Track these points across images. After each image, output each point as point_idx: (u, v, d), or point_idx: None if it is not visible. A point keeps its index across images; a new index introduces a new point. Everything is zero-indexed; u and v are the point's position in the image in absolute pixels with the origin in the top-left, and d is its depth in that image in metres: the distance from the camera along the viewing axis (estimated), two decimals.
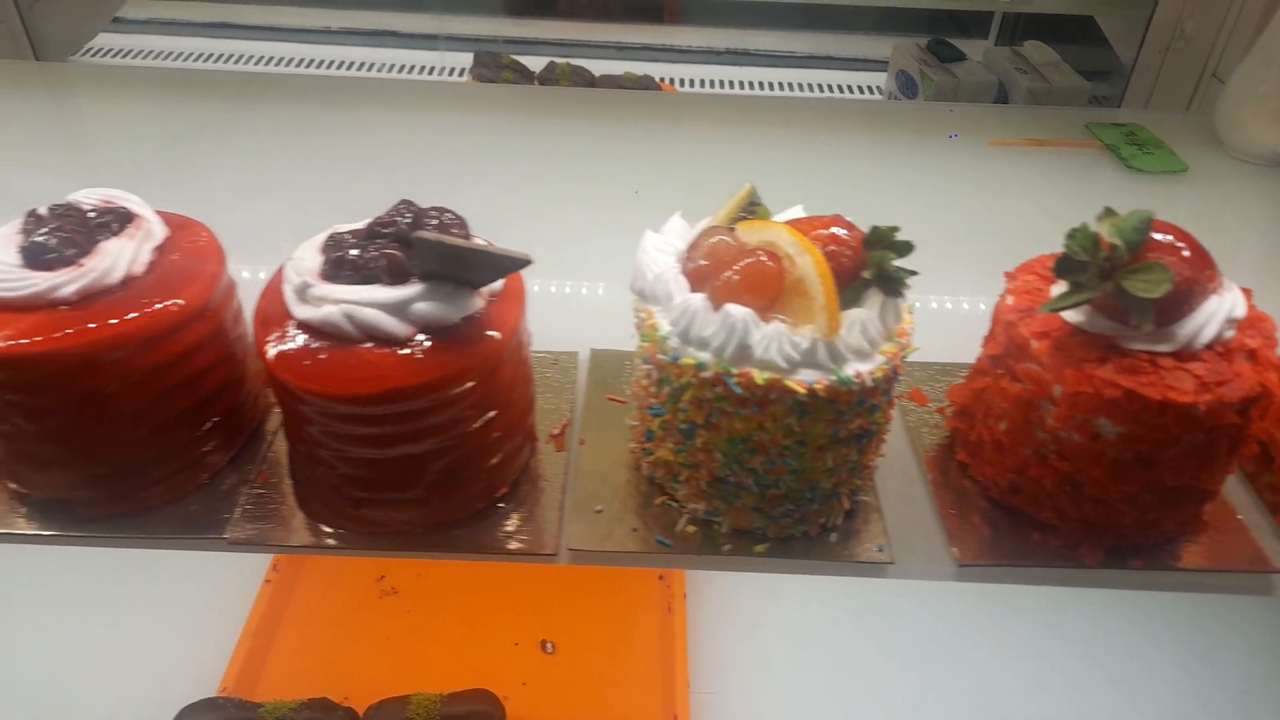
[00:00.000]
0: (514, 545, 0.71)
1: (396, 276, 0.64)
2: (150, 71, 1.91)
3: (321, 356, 0.63)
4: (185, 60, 2.11)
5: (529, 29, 2.36)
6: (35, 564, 1.30)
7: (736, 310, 0.62)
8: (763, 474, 0.67)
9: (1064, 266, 0.64)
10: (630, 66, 2.24)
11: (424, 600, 1.38)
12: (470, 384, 0.65)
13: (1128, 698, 1.23)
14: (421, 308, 0.63)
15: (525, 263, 0.62)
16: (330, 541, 0.71)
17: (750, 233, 0.67)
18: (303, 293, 0.65)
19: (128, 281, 0.67)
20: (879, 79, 2.17)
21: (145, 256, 0.69)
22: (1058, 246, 0.65)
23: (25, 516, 0.72)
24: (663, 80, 2.15)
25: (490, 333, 0.66)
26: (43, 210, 0.71)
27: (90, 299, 0.65)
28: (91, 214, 0.70)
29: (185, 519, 0.72)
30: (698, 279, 0.67)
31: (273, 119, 1.41)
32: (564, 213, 1.18)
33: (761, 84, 2.21)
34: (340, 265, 0.65)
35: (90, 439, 0.67)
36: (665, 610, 1.33)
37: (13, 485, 0.72)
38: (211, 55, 2.14)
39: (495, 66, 2.08)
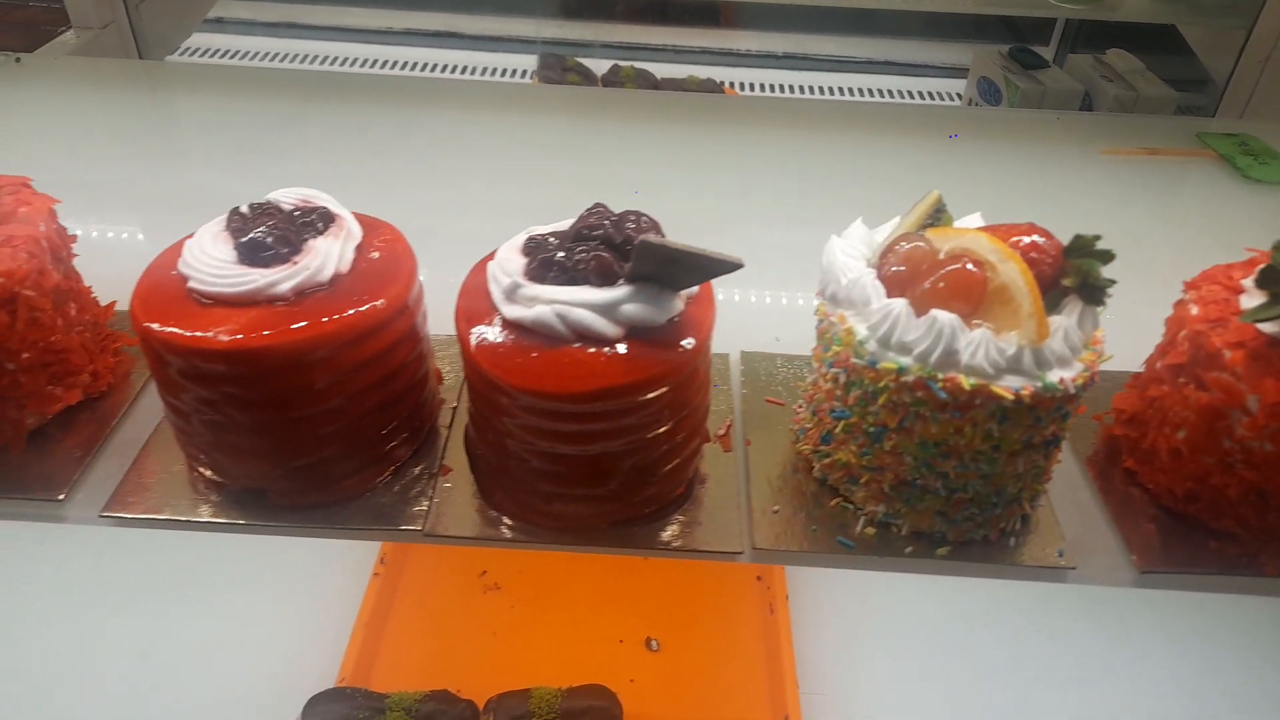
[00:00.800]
0: (700, 544, 0.72)
1: (605, 278, 0.66)
2: (239, 71, 1.94)
3: (533, 355, 0.65)
4: (262, 59, 2.14)
5: (590, 31, 2.38)
6: (152, 553, 1.33)
7: (943, 316, 0.63)
8: (953, 478, 0.68)
9: (1267, 278, 0.64)
10: (693, 70, 2.26)
11: (526, 596, 1.40)
12: (673, 384, 0.66)
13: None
14: (630, 309, 0.65)
15: (738, 266, 0.63)
16: (517, 534, 0.73)
17: (943, 239, 0.68)
18: (512, 293, 0.67)
19: (335, 280, 0.69)
20: (945, 85, 2.17)
21: (349, 255, 0.71)
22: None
23: (215, 505, 0.74)
24: (726, 84, 2.17)
25: (691, 334, 0.67)
26: (244, 209, 0.73)
27: (304, 296, 0.67)
28: (295, 213, 0.72)
29: (376, 510, 0.74)
30: (894, 285, 0.68)
31: (347, 116, 1.43)
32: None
33: (825, 89, 2.22)
34: (547, 266, 0.67)
35: (294, 431, 0.69)
36: (767, 611, 1.35)
37: (209, 474, 0.74)
38: (285, 55, 2.17)
39: (560, 68, 2.10)
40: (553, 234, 0.70)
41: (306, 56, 2.19)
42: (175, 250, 0.72)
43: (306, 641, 1.26)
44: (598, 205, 0.71)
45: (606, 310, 0.65)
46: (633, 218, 0.69)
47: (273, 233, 0.68)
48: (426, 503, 0.74)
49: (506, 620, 1.37)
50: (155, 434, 0.79)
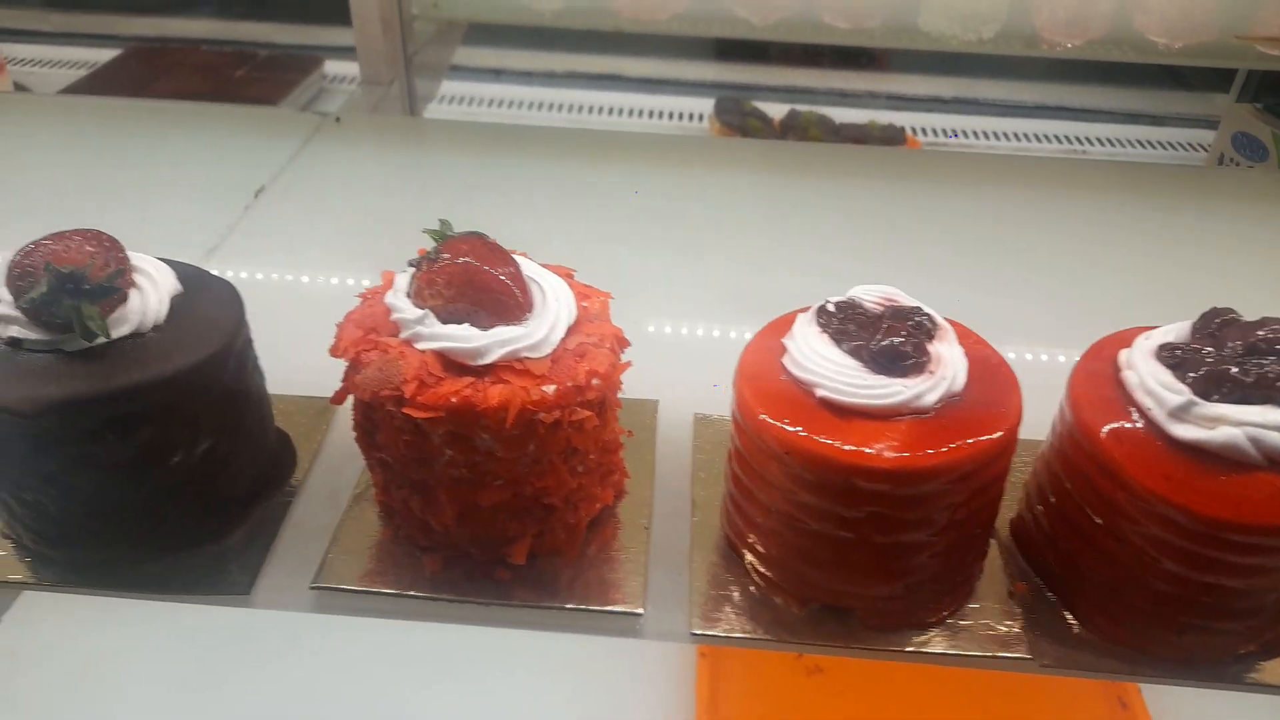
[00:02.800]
0: None
1: None
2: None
3: (1220, 479, 0.60)
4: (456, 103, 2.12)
5: (766, 75, 2.34)
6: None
7: None
8: None
9: None
10: (874, 115, 2.20)
11: (852, 683, 1.33)
12: None
13: None
14: None
15: None
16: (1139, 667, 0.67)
17: None
18: (1185, 411, 0.62)
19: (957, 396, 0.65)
20: (1158, 134, 2.09)
21: (963, 362, 0.67)
22: None
23: (799, 625, 0.69)
24: (908, 130, 2.10)
25: None
26: (830, 306, 0.70)
27: (940, 408, 0.63)
28: (881, 311, 0.69)
29: (970, 634, 0.69)
30: None
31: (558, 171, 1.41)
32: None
33: (1012, 135, 2.13)
34: (1219, 381, 0.62)
35: (915, 550, 0.65)
36: None
37: (776, 586, 0.70)
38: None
39: (739, 113, 2.06)
40: (1202, 345, 0.65)
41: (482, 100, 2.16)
42: (765, 347, 0.69)
43: None
44: (1229, 311, 0.66)
45: None
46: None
47: (910, 341, 0.64)
48: (1011, 623, 0.69)
49: (834, 708, 1.31)
50: (693, 544, 0.76)
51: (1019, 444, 0.66)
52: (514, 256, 0.70)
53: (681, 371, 0.91)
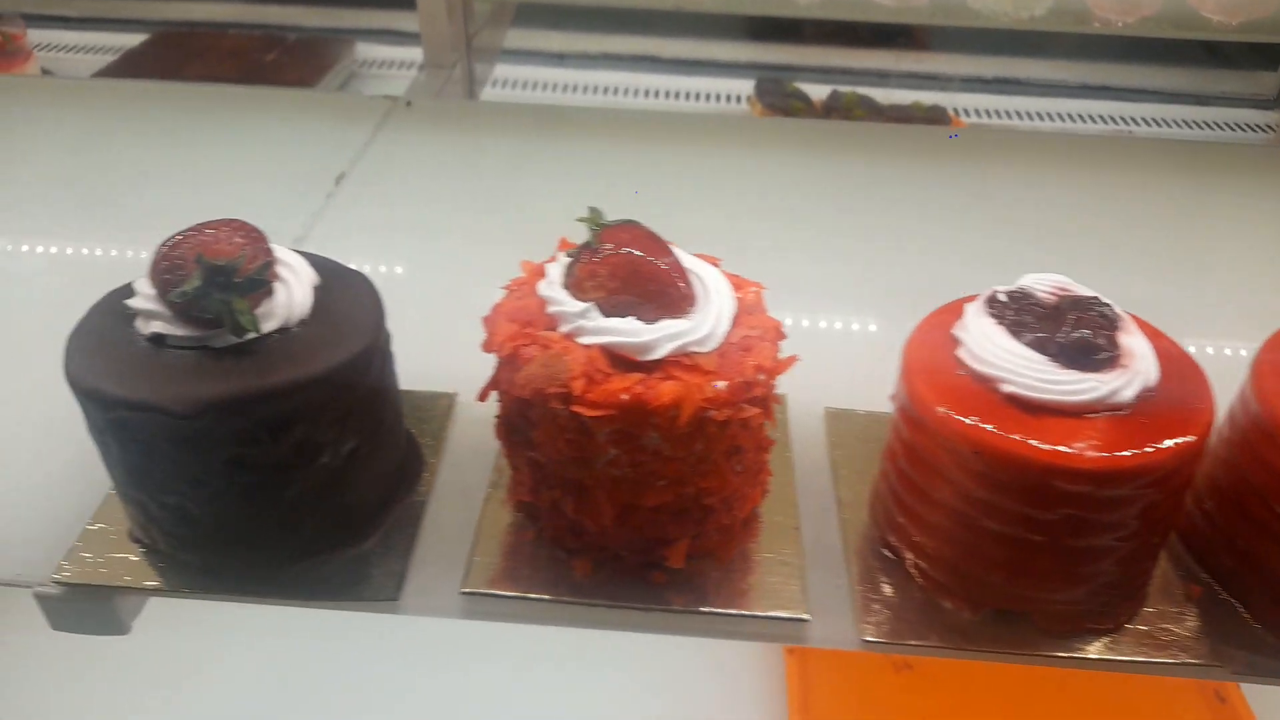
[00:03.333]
0: None
1: None
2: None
3: None
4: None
5: (800, 56, 2.30)
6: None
7: None
8: None
9: None
10: (918, 96, 2.16)
11: (942, 681, 1.31)
12: None
13: None
14: None
15: None
16: None
17: None
18: None
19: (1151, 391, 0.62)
20: (1206, 114, 2.05)
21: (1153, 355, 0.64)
22: None
23: (969, 629, 0.67)
24: (953, 111, 2.06)
25: None
26: (1001, 295, 0.67)
27: (1137, 404, 0.61)
28: (1056, 301, 0.66)
29: (1159, 638, 0.66)
30: None
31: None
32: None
33: (1066, 116, 2.09)
34: None
35: (1102, 553, 0.62)
36: None
37: (942, 589, 0.67)
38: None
39: (781, 94, 2.02)
40: None
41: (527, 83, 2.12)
42: (932, 340, 0.66)
43: None
44: None
45: None
46: None
47: (1101, 333, 0.62)
48: (1191, 627, 0.67)
49: (920, 707, 1.28)
50: (846, 545, 0.73)
51: None
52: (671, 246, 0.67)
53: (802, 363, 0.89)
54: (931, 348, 0.66)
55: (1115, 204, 1.29)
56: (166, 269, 0.61)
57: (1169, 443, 0.59)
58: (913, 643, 0.66)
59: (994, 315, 0.66)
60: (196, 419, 0.59)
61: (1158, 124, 2.06)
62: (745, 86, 2.07)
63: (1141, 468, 0.58)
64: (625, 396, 0.60)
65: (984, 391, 0.62)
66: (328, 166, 1.22)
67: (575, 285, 0.65)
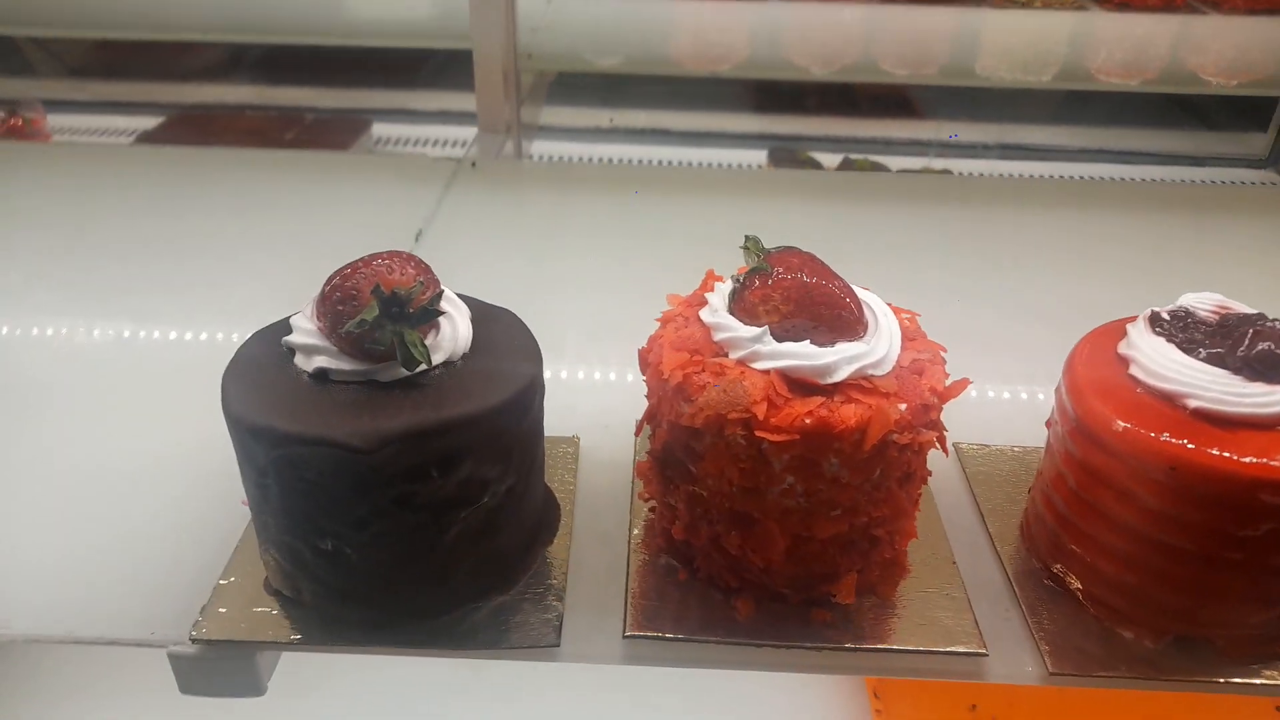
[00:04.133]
0: None
1: None
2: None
3: None
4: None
5: (820, 126, 2.36)
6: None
7: None
8: None
9: None
10: (929, 161, 2.21)
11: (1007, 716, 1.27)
12: None
13: None
14: None
15: None
16: None
17: None
18: None
19: None
20: (1201, 174, 2.10)
21: None
22: None
23: (1148, 657, 0.65)
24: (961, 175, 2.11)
25: None
26: (1164, 314, 0.67)
27: None
28: (1224, 319, 0.66)
29: None
30: None
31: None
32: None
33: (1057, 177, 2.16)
34: None
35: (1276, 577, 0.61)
36: None
37: (1139, 626, 0.65)
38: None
39: (794, 161, 2.06)
40: None
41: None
42: (1096, 360, 0.66)
43: None
44: None
45: None
46: None
47: (1277, 346, 0.61)
48: None
49: None
50: (1009, 577, 0.71)
51: None
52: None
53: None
54: (1098, 366, 0.66)
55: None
56: (339, 300, 0.60)
57: None
58: (1101, 675, 0.64)
59: (1161, 334, 0.65)
60: (374, 454, 0.57)
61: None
62: (758, 157, 2.11)
63: None
64: (808, 420, 0.59)
65: (1168, 408, 0.61)
66: (405, 226, 1.22)
67: (746, 310, 0.64)
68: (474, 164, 1.42)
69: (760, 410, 0.59)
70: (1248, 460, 0.57)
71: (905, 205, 1.45)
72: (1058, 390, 0.69)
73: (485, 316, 0.69)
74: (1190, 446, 0.58)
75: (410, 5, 2.11)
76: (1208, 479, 0.58)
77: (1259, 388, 0.60)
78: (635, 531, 0.74)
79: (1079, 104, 2.49)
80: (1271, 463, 0.57)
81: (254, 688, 0.67)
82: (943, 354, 0.67)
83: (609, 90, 2.28)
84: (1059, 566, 0.69)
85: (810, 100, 2.41)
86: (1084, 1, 2.20)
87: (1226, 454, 0.58)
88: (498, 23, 1.47)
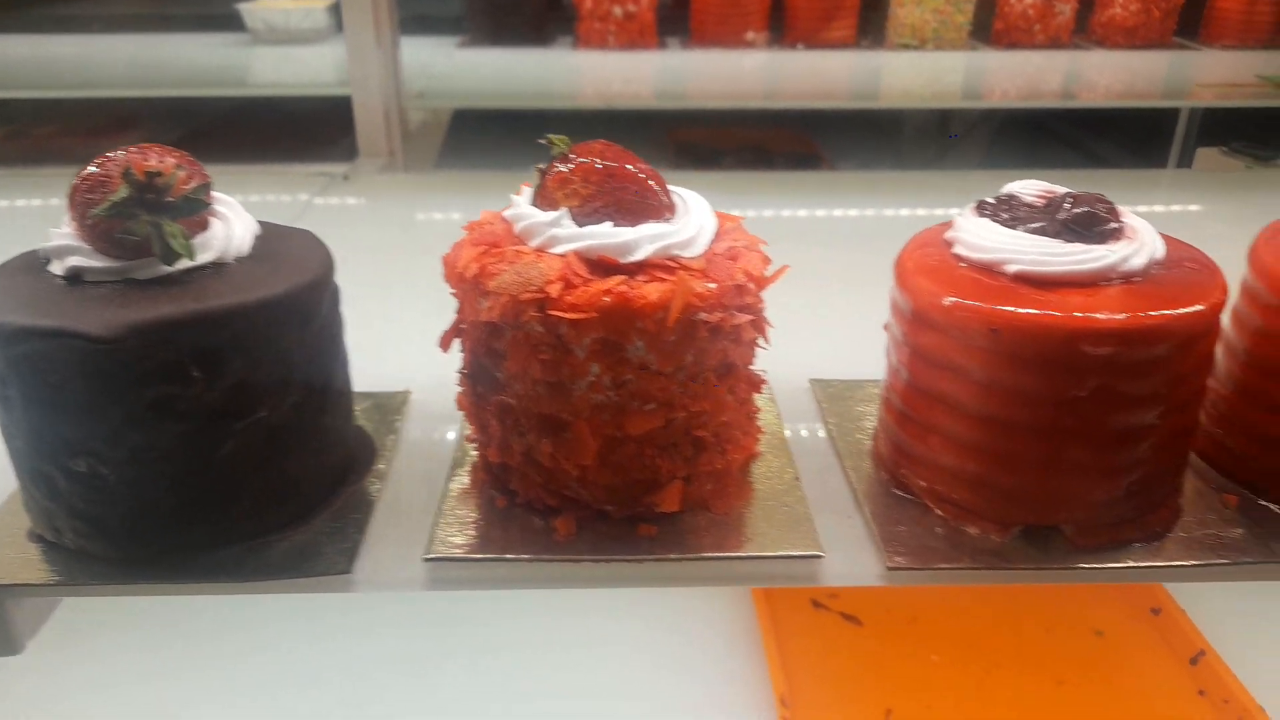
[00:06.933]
0: None
1: None
2: None
3: None
4: None
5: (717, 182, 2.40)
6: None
7: None
8: None
9: None
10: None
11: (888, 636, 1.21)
12: None
13: None
14: None
15: None
16: None
17: None
18: None
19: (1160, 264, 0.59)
20: None
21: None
22: None
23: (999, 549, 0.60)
24: None
25: None
26: (989, 200, 0.64)
27: (1149, 275, 0.57)
28: (1049, 200, 0.63)
29: (1191, 543, 0.60)
30: None
31: None
32: None
33: None
34: None
35: (1134, 441, 0.57)
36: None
37: (985, 519, 0.61)
38: None
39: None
40: None
41: None
42: (927, 249, 0.63)
43: None
44: None
45: None
46: None
47: (1102, 207, 0.59)
48: (1237, 531, 0.61)
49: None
50: (855, 489, 0.66)
51: None
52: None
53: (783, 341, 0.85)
54: (925, 253, 0.63)
55: None
56: (90, 187, 0.55)
57: (1191, 307, 0.55)
58: (941, 567, 0.59)
59: (986, 215, 0.63)
60: (117, 344, 0.52)
61: None
62: None
63: (1164, 328, 0.54)
64: (608, 298, 0.55)
65: (990, 277, 0.58)
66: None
67: (544, 197, 0.60)
68: (346, 176, 1.38)
69: (555, 290, 0.55)
70: (1065, 315, 0.54)
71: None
72: (891, 290, 0.66)
73: (280, 232, 0.64)
74: (1010, 310, 0.55)
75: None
76: (1028, 337, 0.54)
77: (1078, 247, 0.57)
78: (458, 471, 0.68)
79: (976, 150, 2.58)
80: (1091, 315, 0.54)
81: (8, 645, 0.59)
82: (762, 245, 0.63)
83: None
84: (904, 471, 0.65)
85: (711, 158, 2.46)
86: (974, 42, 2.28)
87: (1045, 311, 0.54)
88: (375, 67, 1.51)
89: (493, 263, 0.58)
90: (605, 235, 0.57)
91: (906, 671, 1.24)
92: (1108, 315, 0.54)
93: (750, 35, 2.25)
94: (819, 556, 0.60)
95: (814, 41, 2.26)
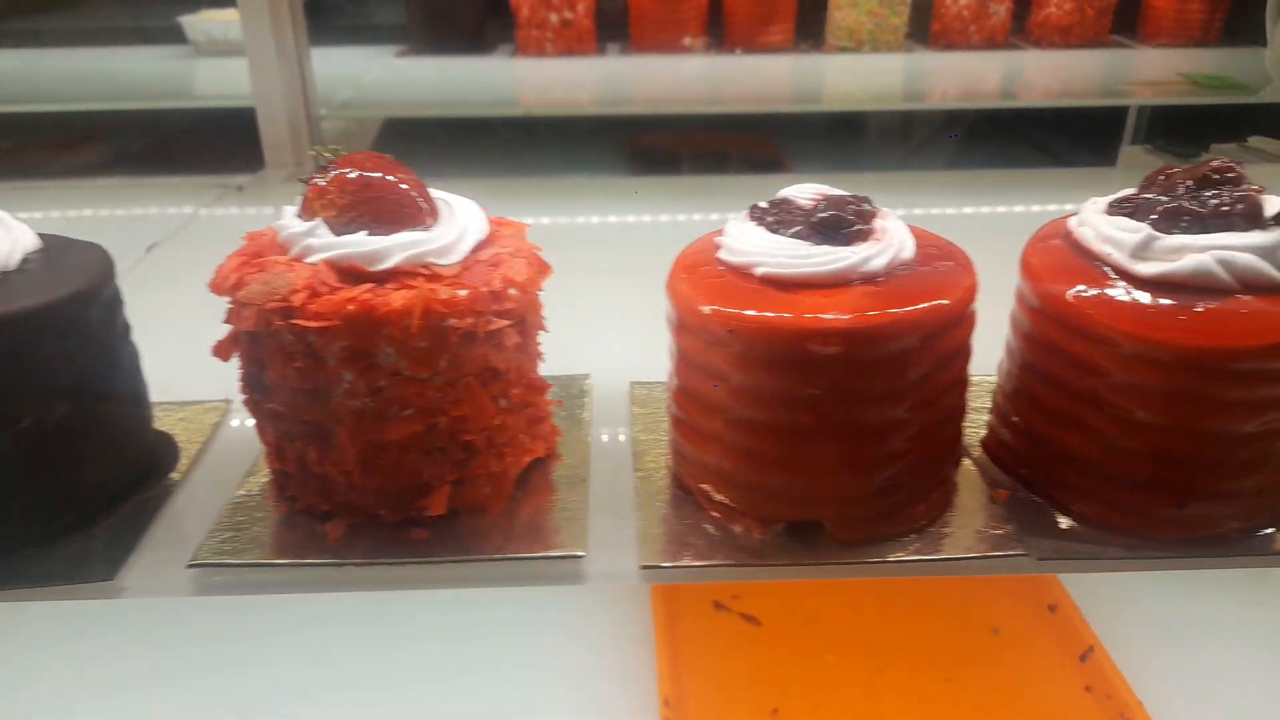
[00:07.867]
0: None
1: (1253, 221, 0.57)
2: None
3: (1198, 310, 0.55)
4: None
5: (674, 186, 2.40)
6: None
7: None
8: None
9: None
10: None
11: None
12: None
13: None
14: None
15: None
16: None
17: None
18: (1146, 248, 0.58)
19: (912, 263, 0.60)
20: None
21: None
22: None
23: (767, 548, 0.61)
24: None
25: None
26: (763, 204, 0.65)
27: (891, 277, 0.58)
28: (818, 203, 0.64)
29: (945, 538, 0.61)
30: None
31: None
32: None
33: None
34: (1175, 217, 0.58)
35: (880, 438, 0.58)
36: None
37: (748, 518, 0.62)
38: None
39: None
40: (1162, 184, 0.62)
41: None
42: (698, 254, 0.63)
43: None
44: (1171, 165, 0.63)
45: (1269, 254, 0.56)
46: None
47: (853, 209, 0.60)
48: (1000, 526, 0.62)
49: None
50: (638, 492, 0.67)
51: (975, 382, 0.64)
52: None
53: (613, 344, 0.86)
54: (695, 259, 0.64)
55: None
56: None
57: (922, 305, 0.56)
58: (692, 565, 0.60)
59: (755, 220, 0.64)
60: None
61: None
62: None
63: (894, 325, 0.55)
64: (351, 306, 0.56)
65: (741, 279, 0.59)
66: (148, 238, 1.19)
67: (306, 208, 0.61)
68: (240, 187, 1.40)
69: (299, 299, 0.56)
70: (795, 316, 0.55)
71: None
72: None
73: (59, 246, 0.65)
74: (746, 312, 0.56)
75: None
76: (760, 338, 0.55)
77: (824, 249, 0.58)
78: (250, 478, 0.69)
79: (932, 155, 2.58)
80: (819, 316, 0.55)
81: None
82: (537, 252, 0.64)
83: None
84: (681, 471, 0.66)
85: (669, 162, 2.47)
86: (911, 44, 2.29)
87: (776, 312, 0.55)
88: (278, 78, 1.52)
89: (250, 273, 0.59)
90: (356, 244, 0.58)
91: (799, 671, 1.24)
92: (835, 315, 0.54)
93: (688, 40, 2.26)
94: (579, 557, 0.60)
95: (752, 46, 2.27)
